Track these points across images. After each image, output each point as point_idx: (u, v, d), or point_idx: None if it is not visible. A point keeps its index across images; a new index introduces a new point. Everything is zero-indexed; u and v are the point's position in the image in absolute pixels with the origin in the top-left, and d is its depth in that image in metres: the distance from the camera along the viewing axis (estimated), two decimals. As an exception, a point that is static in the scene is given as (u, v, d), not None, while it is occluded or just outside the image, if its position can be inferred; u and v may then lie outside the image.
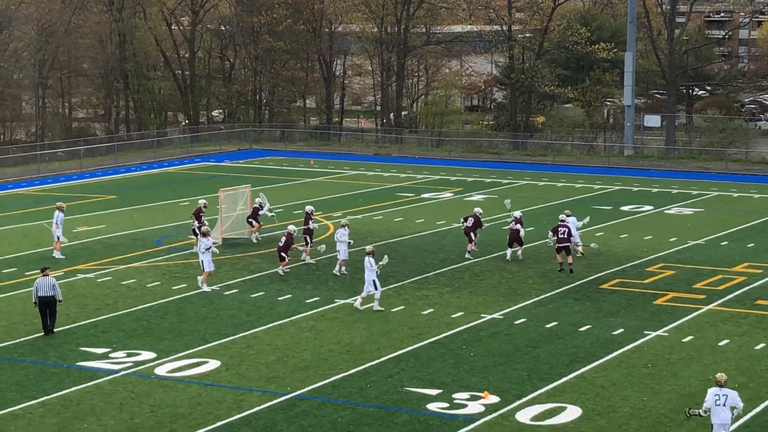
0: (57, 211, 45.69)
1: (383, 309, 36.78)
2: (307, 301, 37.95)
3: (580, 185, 68.07)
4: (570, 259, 42.66)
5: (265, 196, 50.02)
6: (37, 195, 63.99)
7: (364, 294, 37.07)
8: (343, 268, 42.08)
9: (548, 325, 34.89)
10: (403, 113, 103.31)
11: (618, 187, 67.22)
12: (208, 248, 39.50)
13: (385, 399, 28.14)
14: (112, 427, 26.13)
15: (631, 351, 32.38)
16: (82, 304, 37.69)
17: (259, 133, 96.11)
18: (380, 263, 37.29)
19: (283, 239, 41.83)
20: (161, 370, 30.39)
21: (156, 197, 62.33)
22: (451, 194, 63.73)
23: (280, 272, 41.89)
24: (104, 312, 36.61)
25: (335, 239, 42.59)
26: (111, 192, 65.01)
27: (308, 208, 45.82)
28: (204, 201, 47.79)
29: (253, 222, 48.31)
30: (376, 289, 36.90)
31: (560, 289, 39.83)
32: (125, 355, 31.81)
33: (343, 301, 37.93)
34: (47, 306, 34.04)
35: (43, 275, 34.34)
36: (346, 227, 42.37)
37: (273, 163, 79.79)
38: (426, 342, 33.22)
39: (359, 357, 31.64)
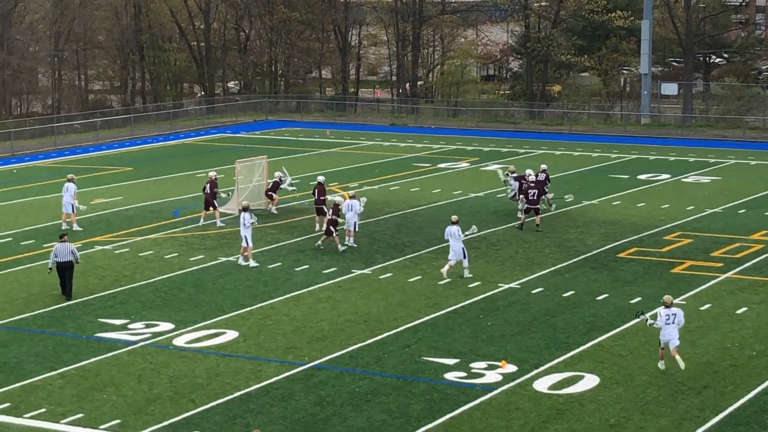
0: (68, 183, 45.69)
1: (472, 275, 36.99)
2: (324, 271, 38.00)
3: (596, 154, 67.92)
4: (538, 220, 43.52)
5: (285, 170, 49.95)
6: (55, 167, 64.10)
7: (452, 262, 37.13)
8: (352, 239, 41.94)
9: (565, 294, 34.88)
10: (418, 83, 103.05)
11: (635, 156, 67.05)
12: (252, 223, 39.21)
13: (403, 369, 28.19)
14: (131, 397, 26.24)
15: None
16: (100, 275, 37.80)
17: (274, 104, 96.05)
18: (467, 232, 37.85)
19: (330, 212, 41.10)
20: (179, 341, 30.49)
21: (172, 169, 62.41)
22: (468, 164, 63.66)
23: (339, 248, 40.79)
24: (122, 283, 36.72)
25: (347, 210, 41.83)
26: (127, 164, 65.10)
27: (320, 178, 45.96)
28: (214, 173, 47.58)
29: (273, 195, 48.32)
30: (464, 257, 37.02)
31: (577, 258, 39.80)
32: (143, 326, 31.92)
33: (359, 272, 37.97)
34: (66, 271, 34.87)
35: (61, 242, 35.09)
36: (360, 199, 42.61)
37: (289, 134, 79.77)
38: (443, 312, 33.25)
39: (376, 327, 31.69)
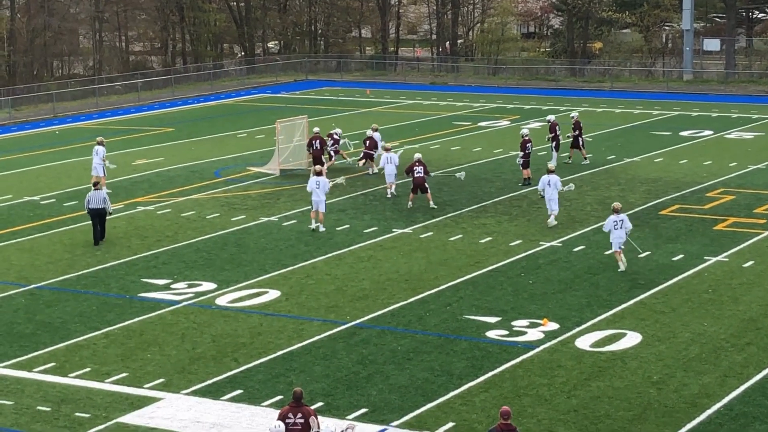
0: (97, 146, 45.66)
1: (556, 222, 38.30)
2: (365, 231, 38.03)
3: (638, 111, 67.51)
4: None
5: (341, 131, 50.23)
6: (96, 129, 64.38)
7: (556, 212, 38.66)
8: (393, 188, 43.27)
9: (607, 252, 34.71)
10: (458, 41, 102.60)
11: (677, 113, 66.59)
12: (340, 182, 38.87)
13: (444, 327, 28.23)
14: (174, 356, 26.42)
15: (691, 277, 32.22)
16: (142, 236, 38.00)
17: (314, 63, 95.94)
18: (565, 188, 39.81)
19: (420, 169, 41.11)
20: (222, 301, 30.64)
21: (213, 129, 62.53)
22: (508, 122, 63.42)
23: (433, 204, 41.26)
24: (164, 244, 36.90)
25: (386, 162, 43.51)
26: (169, 125, 65.30)
27: (337, 131, 48.81)
28: (317, 129, 47.97)
29: (332, 153, 48.19)
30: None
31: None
32: (186, 286, 32.08)
33: (400, 231, 37.96)
34: (97, 217, 36.98)
35: (95, 189, 37.18)
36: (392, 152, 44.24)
37: (329, 93, 79.71)
38: (484, 270, 33.22)
39: (418, 286, 31.72)
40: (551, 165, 40.01)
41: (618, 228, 32.72)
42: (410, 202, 41.29)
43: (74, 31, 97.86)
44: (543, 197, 38.80)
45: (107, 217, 37.70)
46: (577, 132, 48.84)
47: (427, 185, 41.15)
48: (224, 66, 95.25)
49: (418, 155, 41.89)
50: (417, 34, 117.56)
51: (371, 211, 40.87)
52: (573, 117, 49.89)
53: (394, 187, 43.28)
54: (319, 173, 38.92)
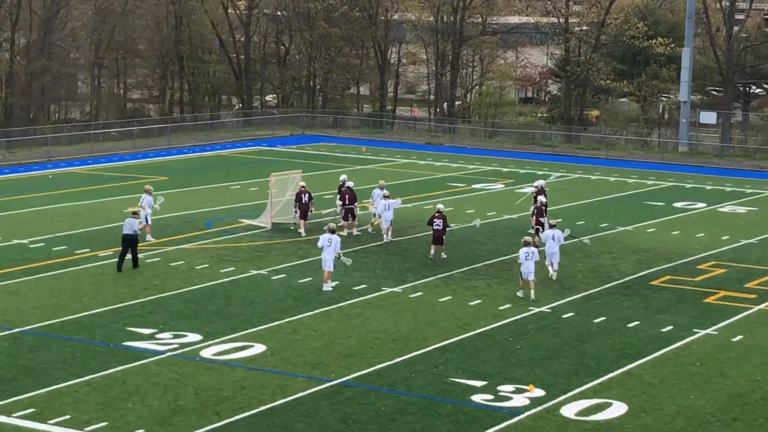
0: (144, 194, 45.42)
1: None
2: (354, 288, 37.89)
3: (633, 180, 67.61)
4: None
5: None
6: (90, 174, 64.32)
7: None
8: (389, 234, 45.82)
9: (596, 320, 34.63)
10: (456, 103, 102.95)
11: (671, 184, 66.69)
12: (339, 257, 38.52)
13: (430, 389, 28.03)
14: (156, 407, 26.18)
15: (679, 349, 32.08)
16: (130, 283, 37.83)
17: (312, 118, 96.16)
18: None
19: (440, 222, 42.58)
20: (207, 353, 30.43)
21: (207, 180, 62.51)
22: (503, 185, 63.47)
23: (444, 255, 42.91)
24: (152, 293, 36.73)
25: (384, 209, 45.73)
26: (163, 173, 65.26)
27: (342, 177, 49.18)
28: (303, 184, 47.97)
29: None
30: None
31: (609, 285, 39.54)
32: (171, 336, 31.89)
33: (390, 290, 37.83)
34: (129, 243, 39.54)
35: (132, 216, 40.14)
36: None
37: (325, 149, 79.80)
38: (472, 333, 33.06)
39: (405, 346, 31.54)
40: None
41: (529, 259, 36.42)
42: (432, 254, 42.66)
43: (73, 76, 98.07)
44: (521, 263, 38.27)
45: (138, 245, 40.18)
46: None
47: (444, 238, 42.62)
48: (221, 117, 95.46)
49: (440, 206, 43.69)
50: (415, 93, 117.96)
51: (361, 268, 40.76)
52: (538, 186, 49.50)
53: (390, 233, 45.77)
54: (332, 231, 38.62)
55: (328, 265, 37.87)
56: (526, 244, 36.89)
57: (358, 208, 47.63)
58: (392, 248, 44.23)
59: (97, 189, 58.78)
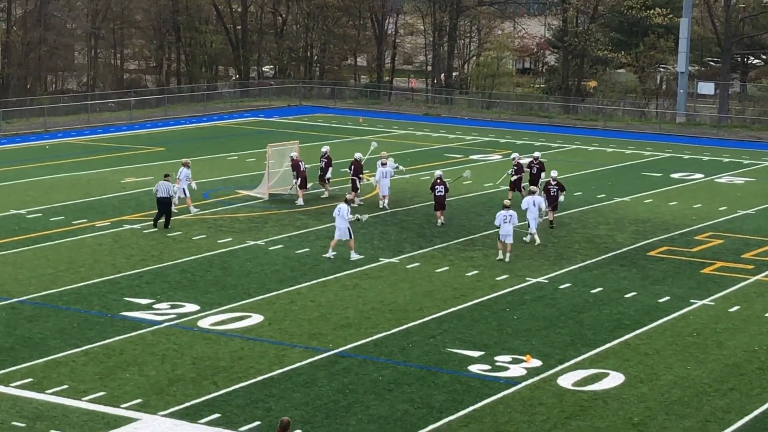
0: (182, 167, 45.27)
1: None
2: (352, 259, 37.87)
3: (630, 151, 67.57)
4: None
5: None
6: (87, 145, 64.24)
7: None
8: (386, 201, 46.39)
9: (593, 291, 34.67)
10: (453, 74, 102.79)
11: (669, 155, 66.65)
12: (358, 219, 38.70)
13: (427, 359, 28.08)
14: (153, 377, 26.23)
15: (676, 319, 32.13)
16: (127, 254, 37.83)
17: (309, 89, 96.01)
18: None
19: (441, 188, 43.69)
20: (204, 323, 30.47)
21: (204, 151, 62.42)
22: (500, 156, 63.41)
23: (442, 221, 43.89)
24: (149, 263, 36.74)
25: (381, 177, 46.54)
26: (160, 144, 65.20)
27: (325, 148, 49.54)
28: (359, 155, 48.59)
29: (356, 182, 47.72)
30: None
31: (606, 255, 39.57)
32: (169, 306, 31.91)
33: (387, 260, 37.85)
34: (163, 206, 41.36)
35: (165, 179, 41.68)
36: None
37: (322, 120, 79.71)
38: (469, 303, 33.11)
39: (402, 316, 31.58)
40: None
41: (507, 222, 37.88)
42: (440, 220, 43.62)
43: (70, 47, 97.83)
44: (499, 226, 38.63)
45: (172, 208, 42.15)
46: (518, 175, 48.38)
47: (445, 203, 43.79)
48: (218, 88, 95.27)
49: (439, 172, 44.65)
50: (412, 64, 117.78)
51: (358, 239, 40.70)
52: (514, 158, 49.54)
53: (387, 200, 46.40)
54: (346, 201, 38.57)
55: (341, 234, 37.82)
56: (505, 207, 38.32)
57: (363, 180, 47.79)
58: (389, 219, 44.27)
59: (94, 159, 58.72)
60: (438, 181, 43.71)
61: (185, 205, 44.70)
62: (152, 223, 41.78)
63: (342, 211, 37.89)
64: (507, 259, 37.85)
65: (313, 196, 48.62)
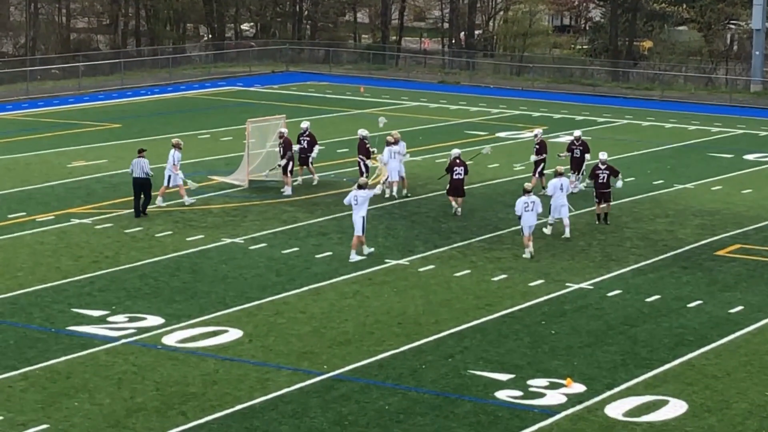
0: (173, 149, 45.18)
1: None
2: (352, 260, 37.93)
3: (694, 127, 67.65)
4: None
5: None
6: (25, 121, 64.31)
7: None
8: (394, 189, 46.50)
9: (649, 299, 34.70)
10: (476, 32, 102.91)
11: (741, 131, 66.71)
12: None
13: (444, 384, 28.12)
14: (108, 406, 26.27)
15: (751, 334, 32.15)
16: (76, 255, 37.91)
17: (298, 52, 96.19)
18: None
19: (461, 170, 43.94)
20: (170, 340, 30.52)
21: (169, 127, 62.51)
22: (534, 134, 63.36)
23: (459, 211, 44.19)
24: (103, 266, 36.81)
25: (389, 158, 46.30)
26: (115, 120, 65.31)
27: (305, 124, 49.88)
28: (364, 132, 48.86)
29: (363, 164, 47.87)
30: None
31: (665, 255, 39.61)
32: (127, 319, 31.98)
33: (394, 262, 37.90)
34: (141, 187, 42.44)
35: (139, 155, 42.86)
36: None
37: (314, 89, 79.84)
38: (496, 315, 33.15)
39: (413, 331, 31.62)
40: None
41: (530, 210, 38.25)
42: (455, 207, 44.08)
43: (4, 2, 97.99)
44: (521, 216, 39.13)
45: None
46: (540, 156, 48.40)
47: (464, 189, 44.33)
48: (186, 51, 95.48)
49: (457, 151, 44.89)
50: (425, 21, 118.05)
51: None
52: (537, 135, 49.61)
53: (395, 187, 46.19)
54: (361, 186, 38.52)
55: (357, 229, 37.98)
56: (526, 191, 38.73)
57: (368, 162, 47.96)
58: (397, 211, 44.21)
59: (35, 139, 58.81)
60: (457, 161, 43.84)
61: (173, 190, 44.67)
62: (133, 211, 42.61)
63: (359, 198, 37.86)
64: (527, 254, 38.44)
65: (305, 183, 48.67)
